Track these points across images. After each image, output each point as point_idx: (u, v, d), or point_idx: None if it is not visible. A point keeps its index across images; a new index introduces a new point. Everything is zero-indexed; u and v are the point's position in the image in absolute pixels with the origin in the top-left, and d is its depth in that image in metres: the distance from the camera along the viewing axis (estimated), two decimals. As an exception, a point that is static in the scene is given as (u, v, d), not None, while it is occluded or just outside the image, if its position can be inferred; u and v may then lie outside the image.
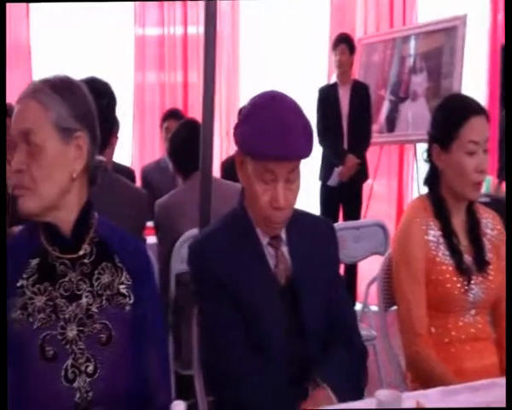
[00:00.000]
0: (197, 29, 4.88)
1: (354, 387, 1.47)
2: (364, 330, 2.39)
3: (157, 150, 4.71)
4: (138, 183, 3.70)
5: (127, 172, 3.28)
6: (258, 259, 1.48)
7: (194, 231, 2.27)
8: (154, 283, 1.42)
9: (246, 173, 1.45)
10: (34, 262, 1.27)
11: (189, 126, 2.65)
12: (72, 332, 1.25)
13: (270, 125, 1.36)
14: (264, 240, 1.49)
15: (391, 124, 4.57)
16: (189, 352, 2.20)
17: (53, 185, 1.24)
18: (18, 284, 1.25)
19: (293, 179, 1.42)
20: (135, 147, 4.86)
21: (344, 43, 4.24)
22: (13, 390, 1.21)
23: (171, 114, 3.91)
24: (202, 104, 2.01)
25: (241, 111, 1.48)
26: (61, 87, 1.25)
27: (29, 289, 1.25)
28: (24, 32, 4.64)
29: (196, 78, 4.91)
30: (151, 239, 2.54)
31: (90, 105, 1.29)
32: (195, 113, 4.88)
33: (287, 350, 1.45)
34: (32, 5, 4.59)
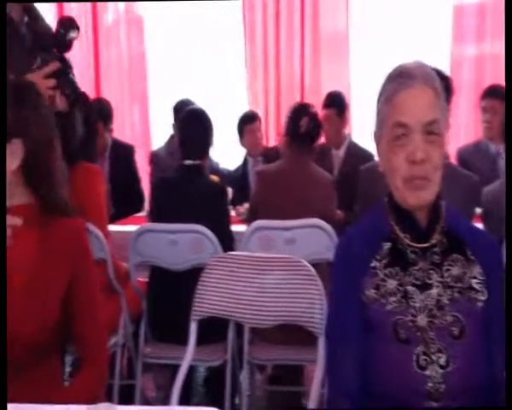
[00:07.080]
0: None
1: None
2: None
3: (461, 133, 4.46)
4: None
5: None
6: None
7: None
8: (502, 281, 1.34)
9: None
10: (386, 246, 1.30)
11: None
12: (422, 321, 1.24)
13: None
14: None
15: None
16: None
17: (440, 173, 1.24)
18: (371, 265, 1.29)
19: None
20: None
21: None
22: (362, 365, 1.26)
23: (492, 93, 3.53)
24: (505, 80, 1.71)
25: None
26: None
27: (381, 271, 1.28)
28: (343, 20, 4.77)
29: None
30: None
31: None
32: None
33: None
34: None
